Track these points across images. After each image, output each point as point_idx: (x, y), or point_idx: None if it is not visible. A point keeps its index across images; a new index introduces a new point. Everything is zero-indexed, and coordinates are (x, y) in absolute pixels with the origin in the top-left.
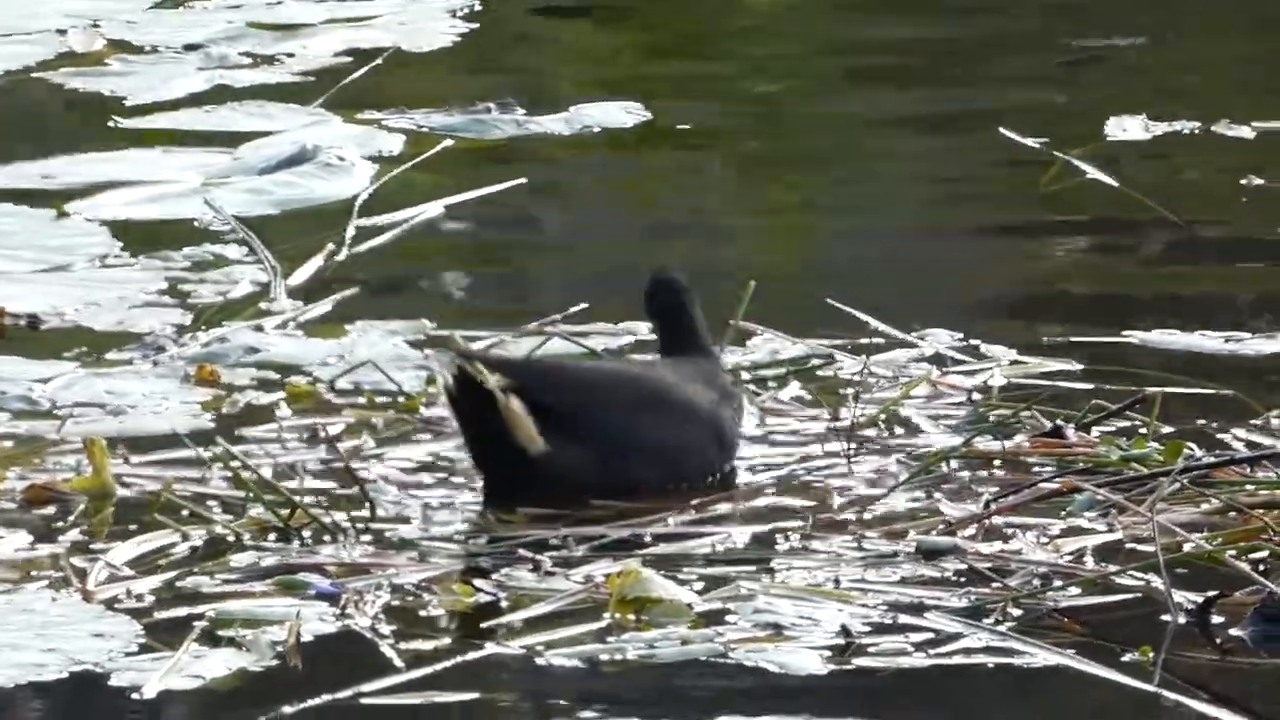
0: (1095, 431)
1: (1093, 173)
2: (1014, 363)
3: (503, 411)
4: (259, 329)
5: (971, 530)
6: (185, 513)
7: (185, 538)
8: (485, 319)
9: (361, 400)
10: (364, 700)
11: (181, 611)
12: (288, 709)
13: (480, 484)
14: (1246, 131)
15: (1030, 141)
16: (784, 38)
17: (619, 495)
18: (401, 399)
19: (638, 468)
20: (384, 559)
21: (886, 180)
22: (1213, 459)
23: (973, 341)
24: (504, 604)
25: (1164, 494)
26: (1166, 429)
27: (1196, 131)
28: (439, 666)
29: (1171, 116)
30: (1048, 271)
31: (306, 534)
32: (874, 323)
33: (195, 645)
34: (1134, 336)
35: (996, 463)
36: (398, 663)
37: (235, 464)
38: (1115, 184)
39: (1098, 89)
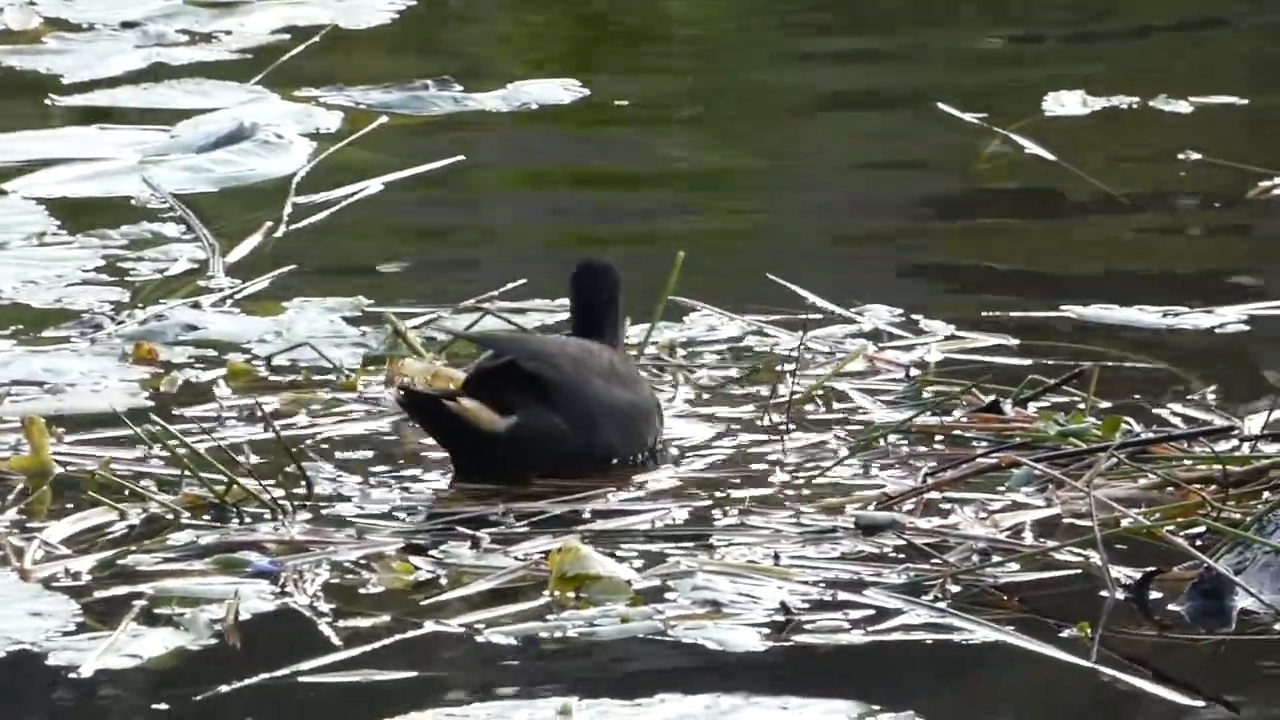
0: (1032, 407)
1: (1031, 147)
2: (951, 337)
3: (458, 414)
4: (196, 306)
5: (910, 505)
6: (125, 491)
7: (123, 516)
8: (422, 296)
9: (299, 378)
10: (302, 679)
11: (119, 590)
12: (224, 688)
13: (446, 467)
14: (1184, 106)
15: (968, 116)
16: (721, 12)
17: (586, 465)
18: (339, 378)
19: (607, 434)
20: (323, 536)
21: (823, 155)
22: (1151, 435)
23: (912, 316)
24: (443, 581)
25: (1101, 469)
26: (1104, 404)
27: (1135, 107)
28: (377, 644)
29: (1110, 92)
30: (985, 246)
31: (245, 512)
32: (812, 298)
33: (133, 624)
34: (1071, 311)
35: (935, 438)
36: (336, 641)
37: (173, 442)
38: (1054, 159)
39: (1037, 64)
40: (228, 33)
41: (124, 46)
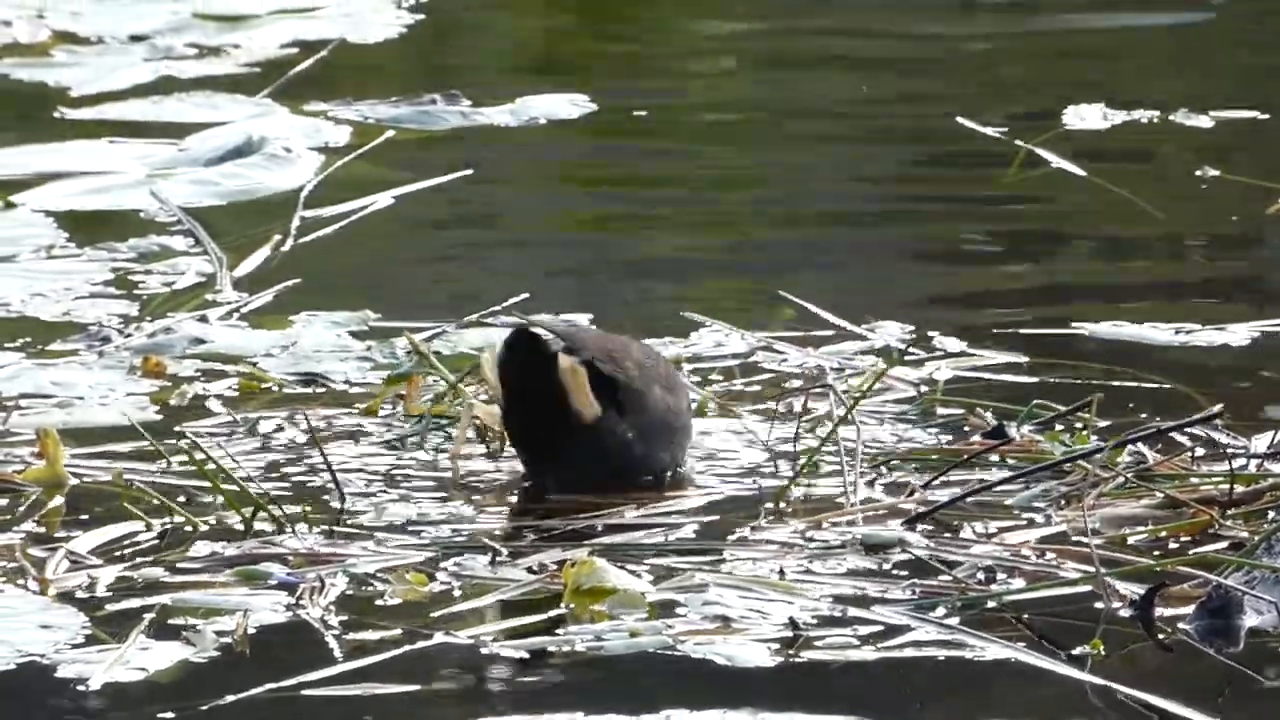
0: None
1: (1057, 162)
2: (961, 354)
3: (563, 375)
4: (204, 320)
5: (916, 524)
6: (150, 501)
7: (149, 527)
8: (429, 309)
9: (317, 391)
10: (308, 691)
11: (130, 604)
12: (231, 698)
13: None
14: (1205, 121)
15: (989, 130)
16: (727, 22)
17: (636, 476)
18: (357, 397)
19: (673, 448)
20: (341, 548)
21: (834, 168)
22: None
23: (923, 334)
24: (457, 593)
25: (1104, 489)
26: (1103, 423)
27: (1155, 120)
28: (386, 656)
29: (1130, 105)
30: (998, 262)
31: (266, 525)
32: (823, 314)
33: (143, 637)
34: (1083, 328)
35: (941, 457)
36: (344, 653)
37: (199, 456)
38: (1083, 173)
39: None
40: (236, 46)
41: (132, 60)
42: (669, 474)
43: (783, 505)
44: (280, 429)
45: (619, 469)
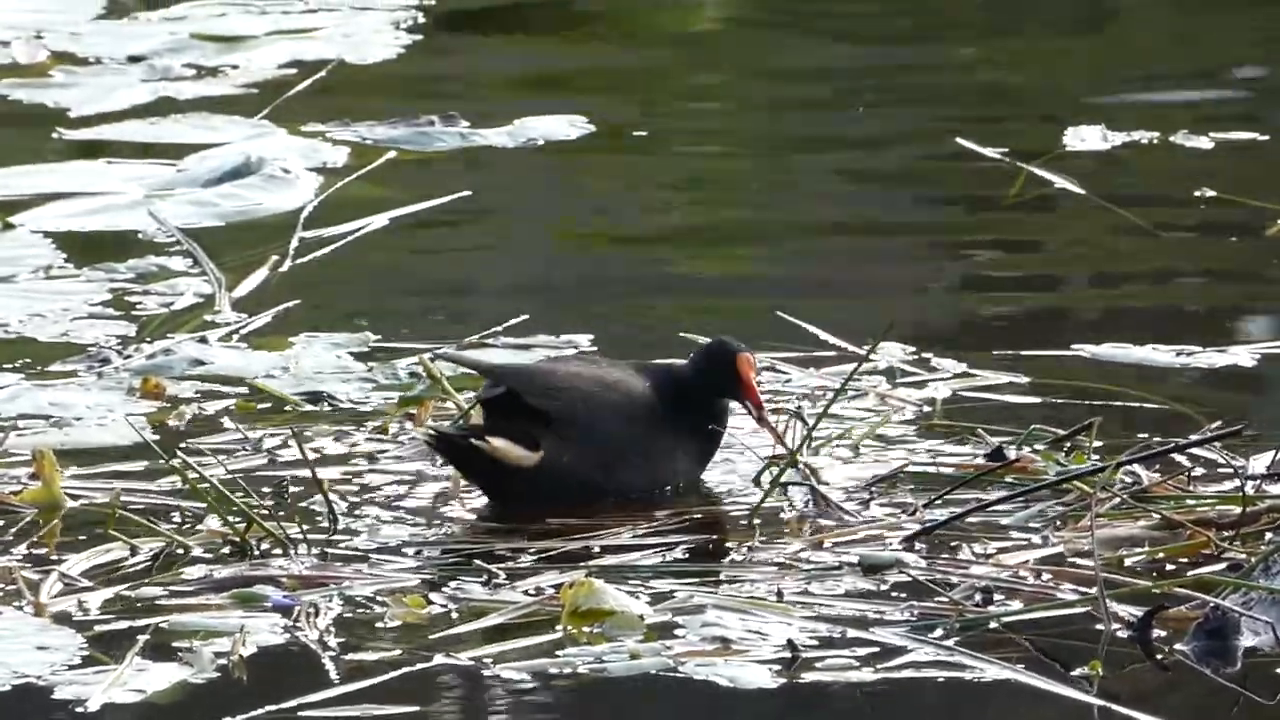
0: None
1: (1060, 182)
2: (962, 375)
3: (488, 454)
4: (203, 341)
5: (914, 545)
6: (143, 524)
7: (134, 551)
8: (428, 331)
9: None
10: (307, 712)
11: (127, 624)
12: None
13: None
14: (1205, 142)
15: (990, 151)
16: (726, 49)
17: (605, 501)
18: (365, 417)
19: (627, 472)
20: (337, 571)
21: (833, 188)
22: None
23: (924, 355)
24: (455, 615)
25: (1101, 510)
26: (1100, 443)
27: (1155, 142)
28: (383, 678)
29: (1130, 127)
30: (999, 284)
31: (262, 546)
32: (824, 335)
33: (139, 658)
34: (1084, 350)
35: (939, 478)
36: (343, 675)
37: (193, 476)
38: (1084, 193)
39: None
40: (234, 67)
41: (130, 81)
42: (657, 493)
43: (755, 526)
44: (304, 453)
45: (584, 494)
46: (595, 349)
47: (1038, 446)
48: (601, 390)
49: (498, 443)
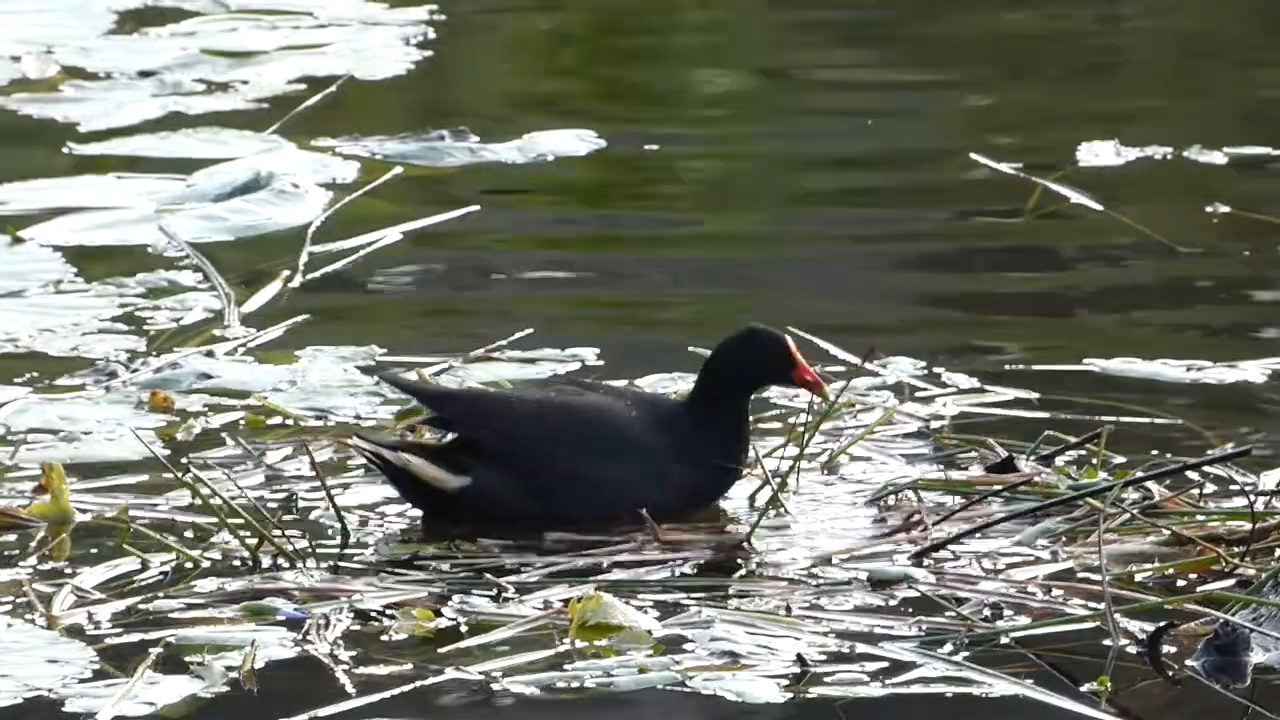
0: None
1: (1076, 197)
2: (972, 390)
3: (402, 467)
4: (211, 355)
5: (923, 560)
6: (154, 538)
7: (145, 566)
8: (436, 345)
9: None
10: None
11: (138, 637)
12: None
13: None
14: (1219, 158)
15: (1005, 167)
16: (738, 64)
17: (550, 526)
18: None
19: (565, 500)
20: (347, 584)
21: (845, 203)
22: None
23: (934, 369)
24: (464, 629)
25: (1111, 525)
26: (1118, 459)
27: (1169, 157)
28: (393, 692)
29: (1143, 142)
30: (1012, 299)
31: (272, 559)
32: (835, 350)
33: (150, 671)
34: (1095, 365)
35: (948, 492)
36: (352, 688)
37: (205, 490)
38: (1100, 208)
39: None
40: (244, 82)
41: (141, 95)
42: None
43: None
44: (314, 464)
45: (512, 519)
46: (601, 363)
47: (1044, 452)
48: (545, 417)
49: (416, 462)
